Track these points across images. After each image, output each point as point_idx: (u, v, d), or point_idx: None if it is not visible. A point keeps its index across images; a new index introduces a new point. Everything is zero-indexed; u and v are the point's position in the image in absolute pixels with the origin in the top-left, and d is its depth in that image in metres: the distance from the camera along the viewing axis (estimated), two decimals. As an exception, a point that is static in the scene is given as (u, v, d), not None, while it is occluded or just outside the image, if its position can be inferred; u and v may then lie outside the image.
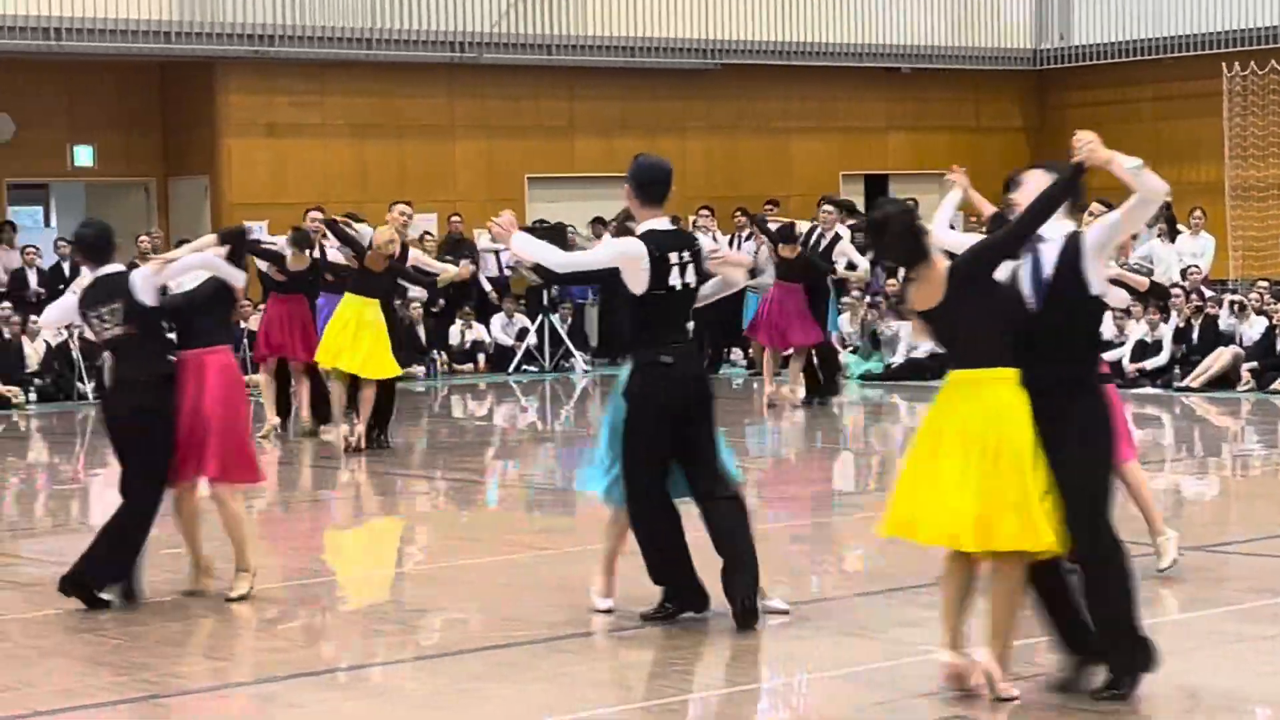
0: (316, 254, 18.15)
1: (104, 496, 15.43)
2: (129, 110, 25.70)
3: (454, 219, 26.25)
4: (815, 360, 20.46)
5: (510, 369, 25.26)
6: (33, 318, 22.86)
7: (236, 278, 10.21)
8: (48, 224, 28.61)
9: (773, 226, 20.61)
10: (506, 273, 26.45)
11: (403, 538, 12.64)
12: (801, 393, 20.17)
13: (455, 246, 26.19)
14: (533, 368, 25.49)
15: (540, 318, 25.59)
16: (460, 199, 26.69)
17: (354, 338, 16.64)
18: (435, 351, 25.44)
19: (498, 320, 25.95)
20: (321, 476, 16.01)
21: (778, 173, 28.94)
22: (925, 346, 22.47)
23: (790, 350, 20.24)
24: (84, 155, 25.62)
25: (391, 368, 17.04)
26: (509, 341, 25.71)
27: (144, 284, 9.77)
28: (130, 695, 7.72)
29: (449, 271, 18.86)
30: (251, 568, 9.82)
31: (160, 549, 10.61)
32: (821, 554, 11.39)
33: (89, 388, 22.54)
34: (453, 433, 19.89)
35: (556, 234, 25.73)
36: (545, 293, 25.71)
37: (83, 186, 26.85)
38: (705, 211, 25.45)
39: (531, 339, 25.60)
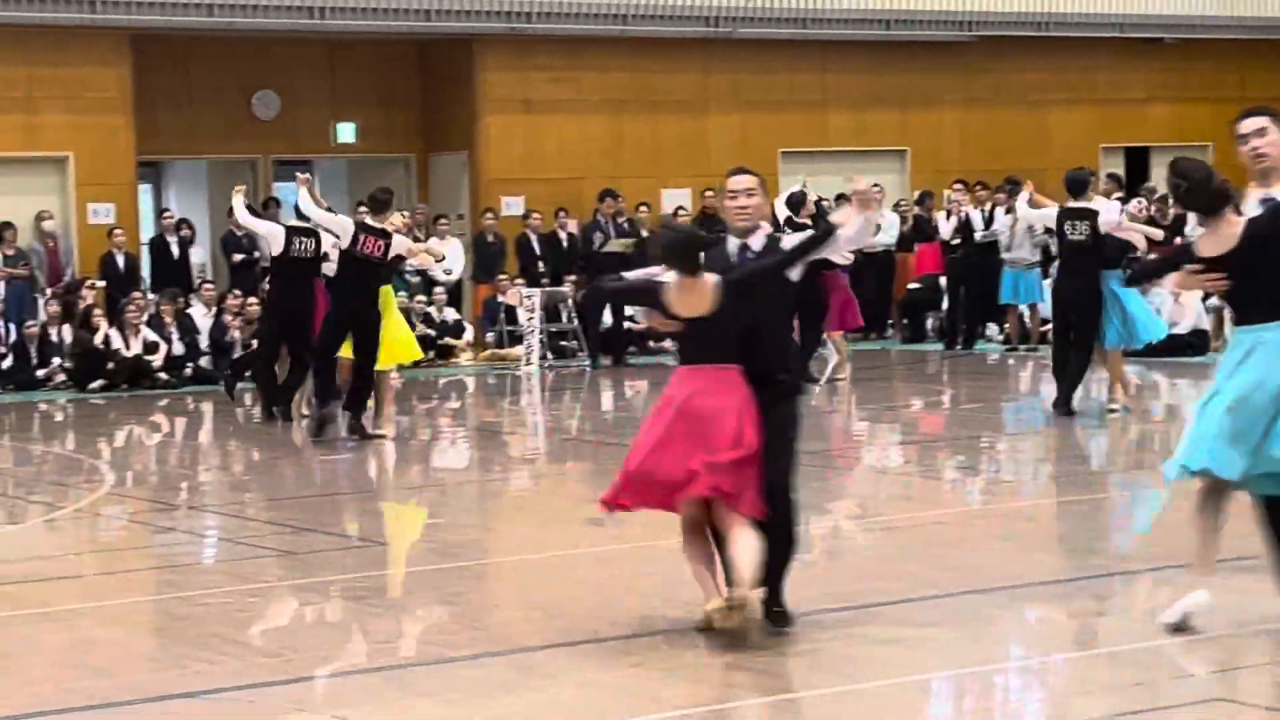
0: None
1: (363, 467, 15.76)
2: (389, 87, 26.11)
3: (707, 194, 26.26)
4: None
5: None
6: (251, 299, 23.32)
7: None
8: (311, 199, 29.19)
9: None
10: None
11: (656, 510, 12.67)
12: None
13: (708, 222, 26.23)
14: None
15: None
16: (714, 174, 26.65)
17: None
18: (688, 326, 25.49)
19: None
20: (582, 449, 16.15)
21: (1035, 146, 28.51)
22: (1186, 323, 22.02)
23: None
24: (346, 132, 26.10)
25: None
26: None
27: None
28: (389, 663, 7.86)
29: (428, 248, 19.00)
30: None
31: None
32: (1079, 532, 11.22)
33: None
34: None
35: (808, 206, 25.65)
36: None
37: (345, 163, 27.35)
38: (959, 185, 25.19)
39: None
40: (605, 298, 12.00)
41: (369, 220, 16.34)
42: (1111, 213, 16.32)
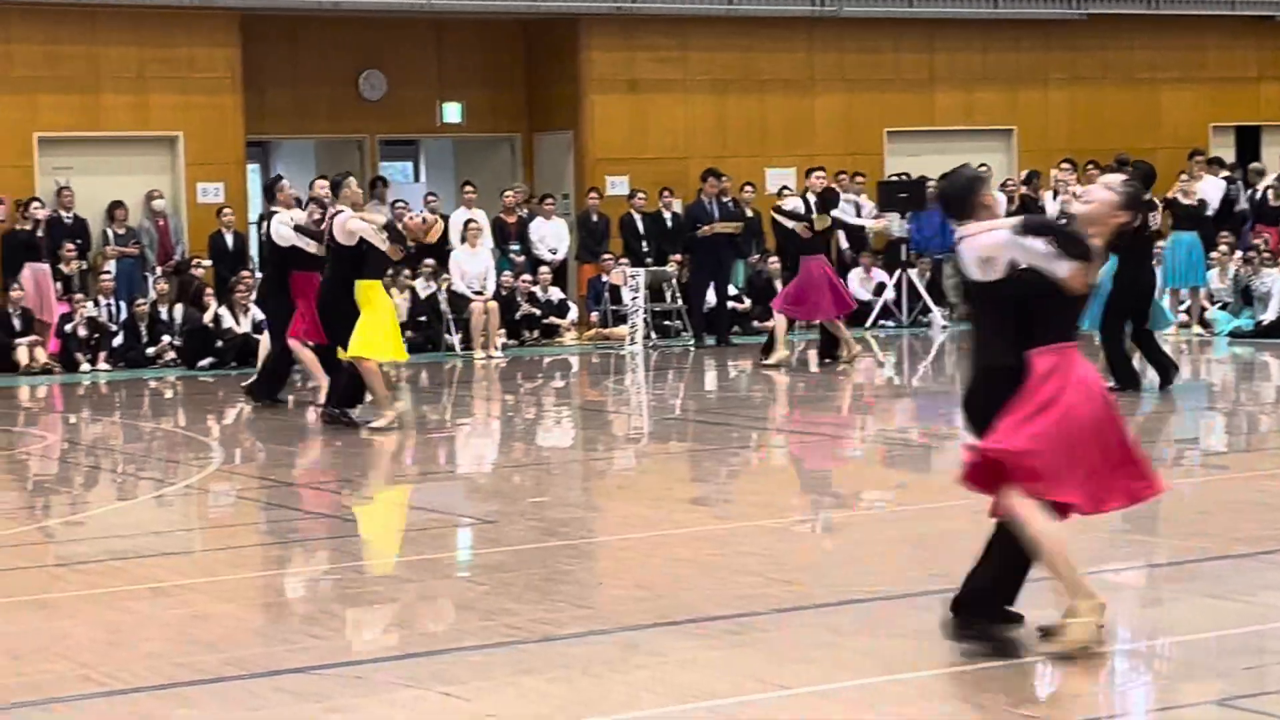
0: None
1: (470, 444, 15.86)
2: (495, 67, 26.20)
3: (814, 175, 26.20)
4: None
5: (867, 324, 25.15)
6: (404, 270, 23.51)
7: None
8: (417, 179, 29.38)
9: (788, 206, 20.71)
10: (867, 224, 26.32)
11: (757, 489, 12.69)
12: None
13: (820, 200, 26.15)
14: (890, 323, 25.37)
15: (898, 273, 25.44)
16: (819, 153, 26.61)
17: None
18: (794, 306, 25.47)
19: (855, 275, 25.85)
20: (685, 428, 16.17)
21: (1144, 125, 28.27)
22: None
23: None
24: (452, 112, 26.20)
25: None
26: (866, 296, 25.59)
27: None
28: (496, 640, 7.90)
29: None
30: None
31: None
32: (1188, 515, 11.12)
33: (456, 339, 23.10)
34: (810, 387, 19.90)
35: (916, 188, 25.57)
36: (903, 248, 25.56)
37: (451, 142, 27.49)
38: (1066, 165, 25.00)
39: (889, 294, 25.47)
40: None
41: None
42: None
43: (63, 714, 6.95)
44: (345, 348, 15.43)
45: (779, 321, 20.68)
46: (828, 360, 20.58)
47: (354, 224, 15.48)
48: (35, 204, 22.26)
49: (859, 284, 25.77)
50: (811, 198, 20.63)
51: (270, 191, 17.94)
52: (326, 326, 16.09)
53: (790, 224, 20.47)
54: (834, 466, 13.86)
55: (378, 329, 15.38)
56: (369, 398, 15.79)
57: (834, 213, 20.96)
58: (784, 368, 20.29)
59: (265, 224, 17.73)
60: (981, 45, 27.71)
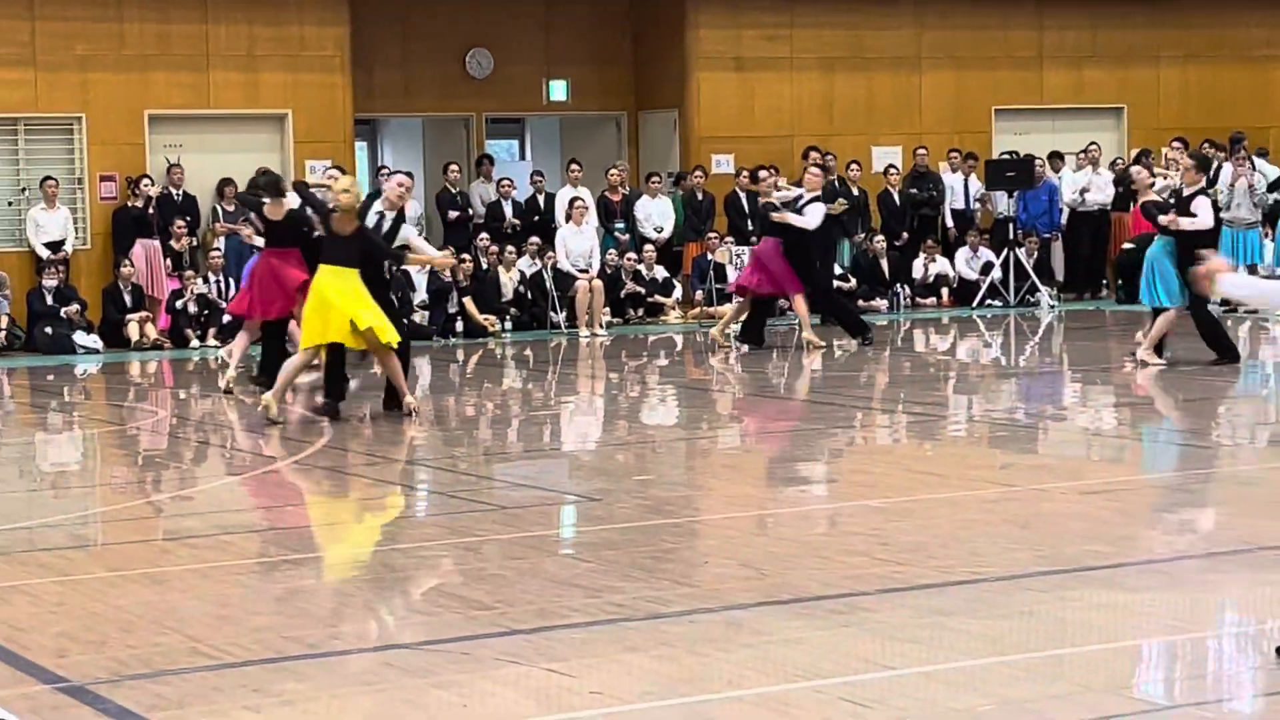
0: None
1: (574, 422, 15.90)
2: (601, 45, 26.21)
3: (919, 152, 26.11)
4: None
5: (974, 303, 25.02)
6: (509, 248, 23.60)
7: None
8: (523, 157, 29.45)
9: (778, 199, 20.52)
10: (974, 206, 26.20)
11: (863, 469, 12.65)
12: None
13: (919, 180, 26.07)
14: (997, 302, 25.22)
15: (1005, 251, 25.28)
16: (926, 131, 26.51)
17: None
18: (899, 285, 25.40)
19: (962, 254, 25.73)
20: (789, 407, 16.16)
21: (1258, 103, 27.94)
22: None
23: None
24: (558, 90, 26.24)
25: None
26: (973, 275, 25.47)
27: None
28: (600, 617, 7.93)
29: (433, 258, 16.36)
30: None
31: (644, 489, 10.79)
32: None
33: (561, 317, 23.16)
34: (915, 366, 19.83)
35: (1024, 167, 25.41)
36: (1010, 226, 25.40)
37: (557, 120, 27.53)
38: (1178, 144, 24.76)
39: (996, 273, 25.32)
40: None
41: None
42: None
43: (173, 686, 7.03)
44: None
45: (798, 308, 20.49)
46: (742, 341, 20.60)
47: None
48: (146, 181, 22.49)
49: (965, 263, 25.64)
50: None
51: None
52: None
53: (795, 219, 20.19)
54: (939, 446, 13.79)
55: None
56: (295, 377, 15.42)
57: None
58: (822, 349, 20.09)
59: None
60: (1091, 22, 27.45)
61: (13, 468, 13.82)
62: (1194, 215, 17.08)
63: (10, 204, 22.83)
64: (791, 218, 19.76)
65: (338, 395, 15.23)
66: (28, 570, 9.33)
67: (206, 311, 22.19)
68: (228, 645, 7.54)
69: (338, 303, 14.39)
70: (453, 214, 24.47)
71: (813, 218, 19.93)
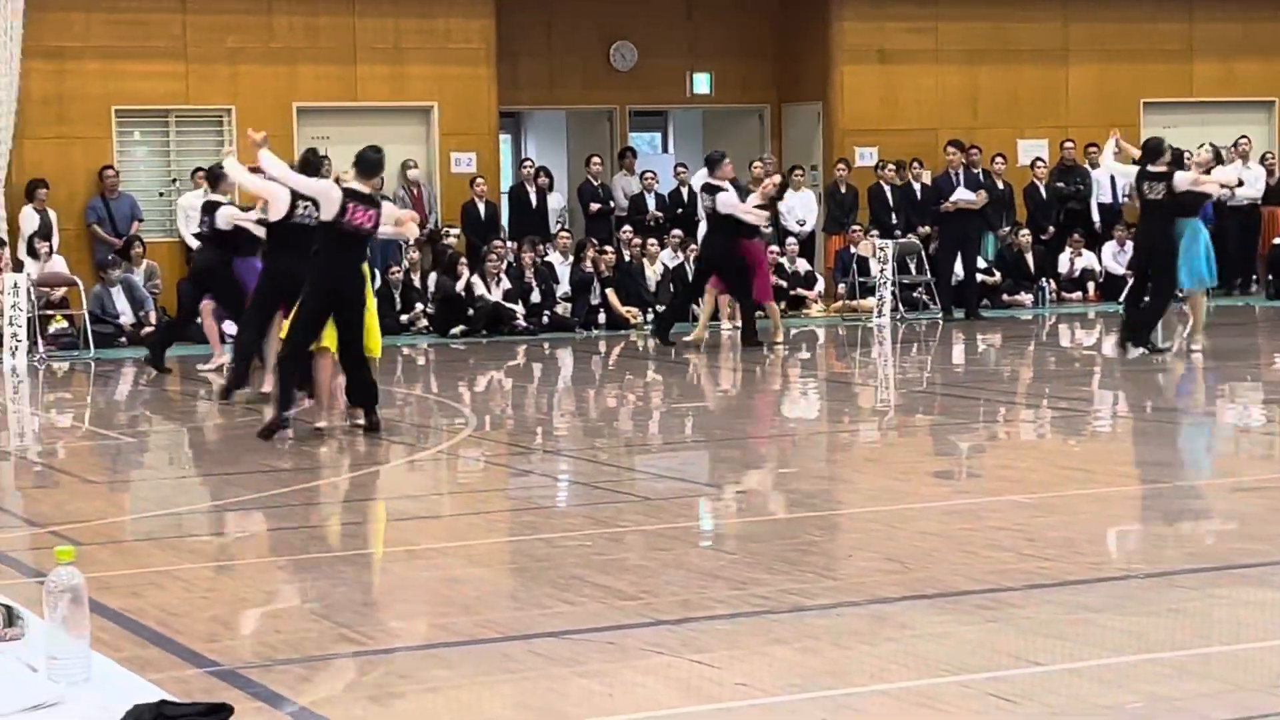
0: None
1: (716, 415, 15.91)
2: (746, 38, 26.18)
3: (1066, 145, 25.86)
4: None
5: (1121, 298, 24.74)
6: (651, 241, 23.63)
7: None
8: (665, 150, 29.48)
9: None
10: (1122, 200, 25.92)
11: (1008, 464, 12.57)
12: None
13: (1066, 173, 25.83)
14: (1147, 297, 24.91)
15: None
16: (1073, 124, 26.25)
17: None
18: (1044, 279, 25.19)
19: (1108, 248, 25.46)
20: (932, 401, 16.08)
21: None
22: None
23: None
24: (702, 83, 26.24)
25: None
26: (1120, 270, 25.19)
27: None
28: (745, 609, 7.93)
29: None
30: None
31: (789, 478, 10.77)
32: None
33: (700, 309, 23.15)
34: (1060, 361, 19.66)
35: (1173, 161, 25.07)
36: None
37: (700, 113, 27.53)
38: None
39: (1143, 268, 25.03)
40: None
41: (356, 185, 13.60)
42: (1185, 177, 18.20)
43: (322, 671, 7.11)
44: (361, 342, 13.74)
45: (772, 309, 20.44)
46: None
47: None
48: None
49: (1112, 257, 25.37)
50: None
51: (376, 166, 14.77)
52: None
53: (751, 217, 20.01)
54: (1084, 442, 13.67)
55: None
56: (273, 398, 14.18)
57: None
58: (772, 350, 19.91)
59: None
60: (1241, 15, 27.06)
61: (163, 454, 14.04)
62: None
63: (161, 195, 23.17)
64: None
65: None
66: (180, 556, 9.48)
67: (352, 302, 22.39)
68: (375, 632, 7.62)
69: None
70: (594, 206, 24.56)
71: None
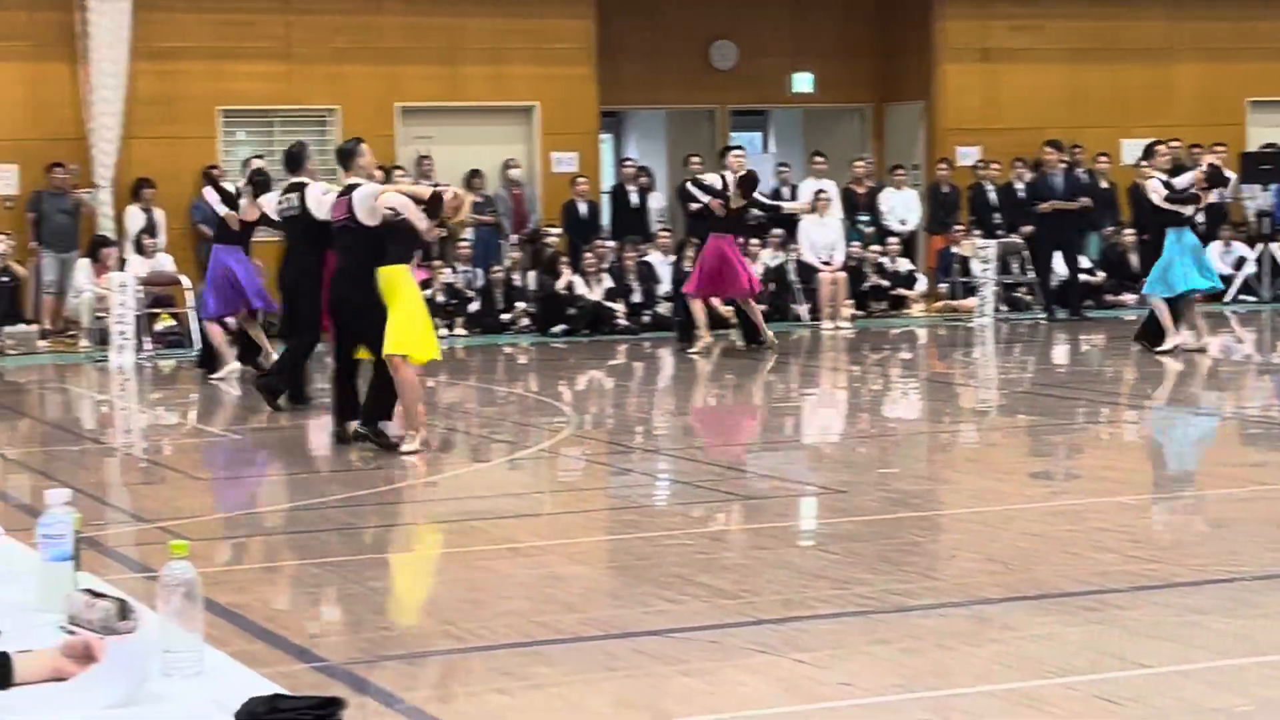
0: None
1: (817, 415, 15.87)
2: (847, 37, 26.11)
3: (1172, 144, 25.60)
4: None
5: (1226, 299, 24.52)
6: (753, 241, 23.60)
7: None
8: (765, 149, 29.45)
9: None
10: (1227, 199, 25.66)
11: (1111, 465, 12.47)
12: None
13: (1174, 173, 25.58)
14: (1250, 298, 24.69)
15: (1260, 247, 24.73)
16: (1178, 124, 26.00)
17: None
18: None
19: (1214, 248, 25.20)
20: (1035, 402, 15.98)
21: None
22: None
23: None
24: (803, 82, 26.19)
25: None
26: (1226, 270, 24.94)
27: None
28: (847, 609, 7.91)
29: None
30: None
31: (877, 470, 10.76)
32: None
33: (804, 309, 23.11)
34: (1160, 364, 19.49)
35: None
36: (1264, 220, 24.85)
37: (800, 113, 27.48)
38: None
39: (1250, 268, 24.78)
40: None
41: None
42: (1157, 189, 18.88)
43: (426, 668, 7.15)
44: (372, 348, 12.88)
45: (695, 307, 20.07)
46: (753, 345, 20.01)
47: (389, 198, 12.84)
48: (398, 172, 22.85)
49: (1219, 258, 25.12)
50: (730, 176, 19.92)
51: (297, 160, 15.50)
52: (336, 319, 13.49)
53: (705, 198, 19.83)
54: (1190, 443, 13.56)
55: (414, 324, 12.69)
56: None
57: (755, 194, 20.17)
58: (706, 354, 19.68)
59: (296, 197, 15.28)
60: (1350, 11, 26.77)
61: (268, 451, 14.14)
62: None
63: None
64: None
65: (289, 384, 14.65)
66: (285, 552, 9.56)
67: (454, 301, 22.51)
68: (479, 629, 7.65)
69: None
70: (694, 205, 24.50)
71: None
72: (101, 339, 20.37)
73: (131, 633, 4.00)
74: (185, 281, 21.68)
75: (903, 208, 25.03)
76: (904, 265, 24.59)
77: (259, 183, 17.17)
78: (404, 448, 12.60)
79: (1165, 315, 18.58)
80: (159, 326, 21.65)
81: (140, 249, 21.69)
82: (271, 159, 23.13)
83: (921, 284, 24.65)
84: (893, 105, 26.41)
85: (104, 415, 16.77)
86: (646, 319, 22.52)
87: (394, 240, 12.65)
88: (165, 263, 21.90)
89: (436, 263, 22.72)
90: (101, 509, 10.69)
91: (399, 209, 12.60)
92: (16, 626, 3.81)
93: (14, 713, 3.50)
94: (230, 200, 17.72)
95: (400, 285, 12.62)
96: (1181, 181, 19.16)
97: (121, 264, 21.30)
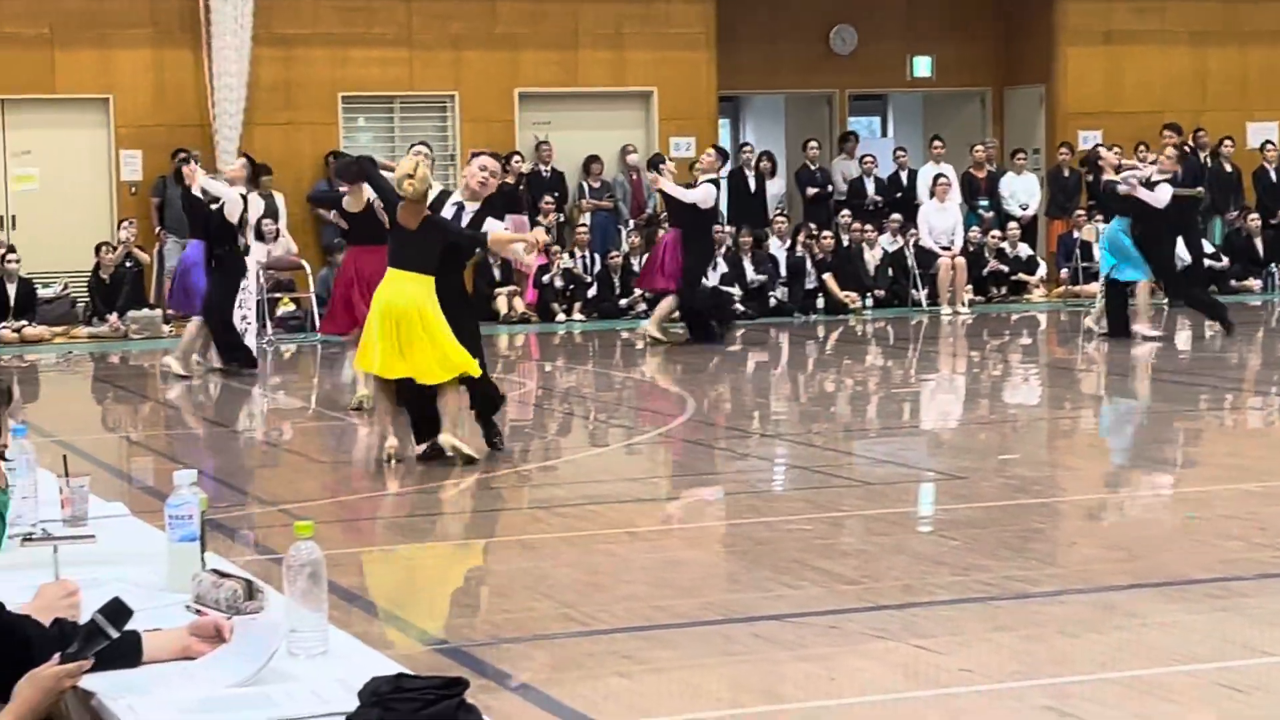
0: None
1: (935, 400, 15.79)
2: (966, 21, 25.91)
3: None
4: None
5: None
6: (870, 226, 23.50)
7: None
8: (884, 134, 29.31)
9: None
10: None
11: (1237, 452, 12.32)
12: None
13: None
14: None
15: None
16: (1304, 106, 25.69)
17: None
18: (1273, 265, 24.66)
19: (1339, 233, 24.87)
20: (1157, 388, 15.84)
21: None
22: None
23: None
24: (922, 66, 26.03)
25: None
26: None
27: None
28: (968, 595, 7.87)
29: (516, 237, 12.71)
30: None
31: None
32: None
33: (923, 294, 22.99)
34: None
35: None
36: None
37: (920, 97, 27.33)
38: (1169, 132, 23.53)
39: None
40: None
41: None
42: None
43: (546, 650, 7.18)
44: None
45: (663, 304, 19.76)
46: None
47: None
48: (516, 158, 22.93)
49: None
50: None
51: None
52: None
53: (688, 198, 19.50)
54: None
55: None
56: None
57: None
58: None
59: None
60: None
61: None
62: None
63: (385, 180, 23.50)
64: (1142, 193, 19.26)
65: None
66: (405, 535, 9.62)
67: (573, 286, 22.57)
68: (598, 612, 7.67)
69: (380, 339, 11.27)
70: (811, 190, 24.48)
71: (1161, 195, 19.43)
72: (224, 323, 20.55)
73: (257, 613, 4.04)
74: (306, 266, 21.85)
75: (1023, 192, 24.83)
76: (1024, 250, 24.39)
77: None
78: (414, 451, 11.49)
79: None
80: (280, 311, 21.85)
81: (261, 235, 21.88)
82: (391, 145, 23.31)
83: (1042, 269, 24.44)
84: (1013, 89, 26.19)
85: (226, 399, 16.94)
86: (764, 304, 22.45)
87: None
88: (286, 248, 22.09)
89: (555, 248, 22.79)
90: (223, 491, 10.80)
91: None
92: (145, 606, 3.85)
93: (144, 690, 3.55)
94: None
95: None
96: None
97: (245, 249, 21.49)
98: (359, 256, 14.10)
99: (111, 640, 3.62)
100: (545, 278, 22.60)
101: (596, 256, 22.99)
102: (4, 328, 20.81)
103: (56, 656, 3.62)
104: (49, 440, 11.57)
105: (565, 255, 22.76)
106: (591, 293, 22.74)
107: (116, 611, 3.65)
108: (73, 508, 5.14)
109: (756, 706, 6.45)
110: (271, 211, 22.27)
